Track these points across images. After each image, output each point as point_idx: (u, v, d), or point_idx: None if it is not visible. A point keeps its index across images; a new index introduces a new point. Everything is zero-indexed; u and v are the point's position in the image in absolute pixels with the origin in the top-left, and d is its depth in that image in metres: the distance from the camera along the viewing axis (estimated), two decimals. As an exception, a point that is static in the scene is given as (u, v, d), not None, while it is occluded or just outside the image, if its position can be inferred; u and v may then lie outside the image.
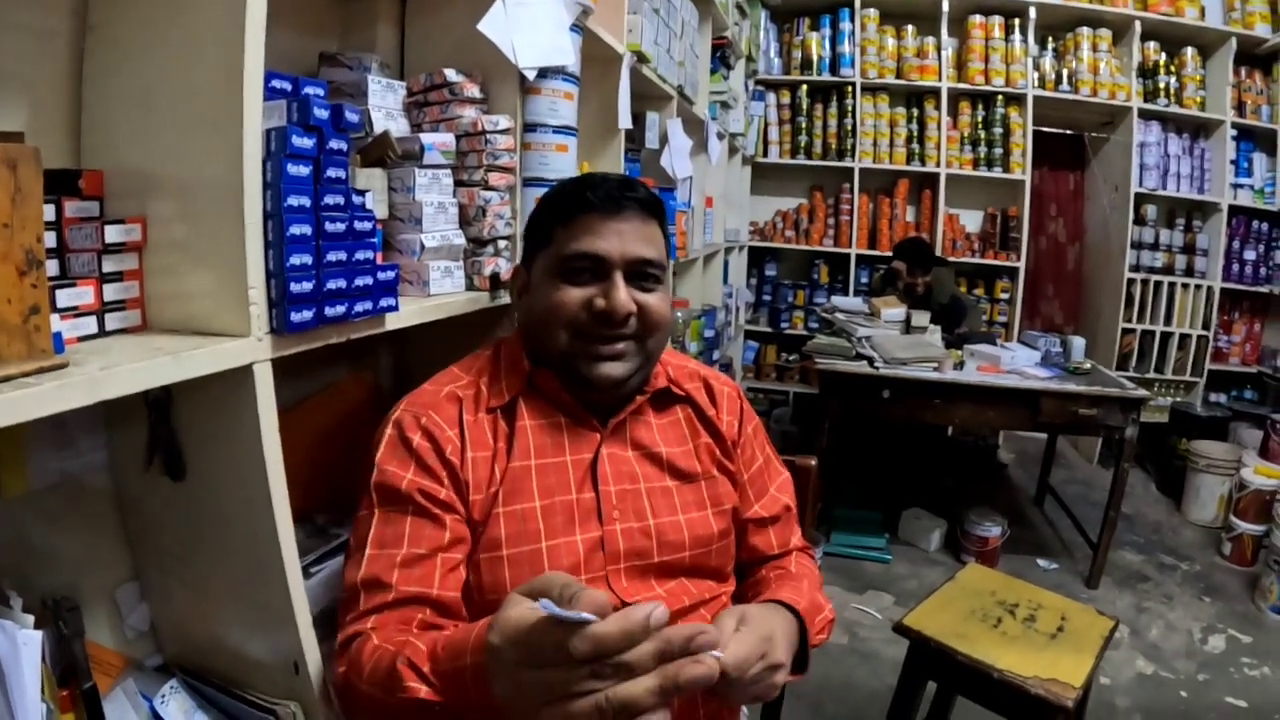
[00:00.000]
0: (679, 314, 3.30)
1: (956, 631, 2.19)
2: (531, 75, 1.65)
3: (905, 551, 4.37)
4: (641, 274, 1.30)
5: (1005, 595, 2.42)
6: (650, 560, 1.30)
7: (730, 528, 1.41)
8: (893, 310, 4.54)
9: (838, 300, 5.38)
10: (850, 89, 6.09)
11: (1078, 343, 4.32)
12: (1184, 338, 5.87)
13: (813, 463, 1.85)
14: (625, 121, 2.29)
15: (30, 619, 0.99)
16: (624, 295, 1.26)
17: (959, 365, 4.05)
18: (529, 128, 1.75)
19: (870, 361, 4.02)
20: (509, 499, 1.24)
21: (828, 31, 6.15)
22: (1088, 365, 4.18)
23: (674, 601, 1.29)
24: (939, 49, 5.96)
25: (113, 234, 1.05)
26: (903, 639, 2.25)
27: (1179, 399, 5.90)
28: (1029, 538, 4.61)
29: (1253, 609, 3.92)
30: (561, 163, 1.78)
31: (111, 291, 1.06)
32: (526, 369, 1.33)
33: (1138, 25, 5.68)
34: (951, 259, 5.77)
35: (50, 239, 0.98)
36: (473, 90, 1.61)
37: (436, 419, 1.25)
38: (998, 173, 6.00)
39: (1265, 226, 5.92)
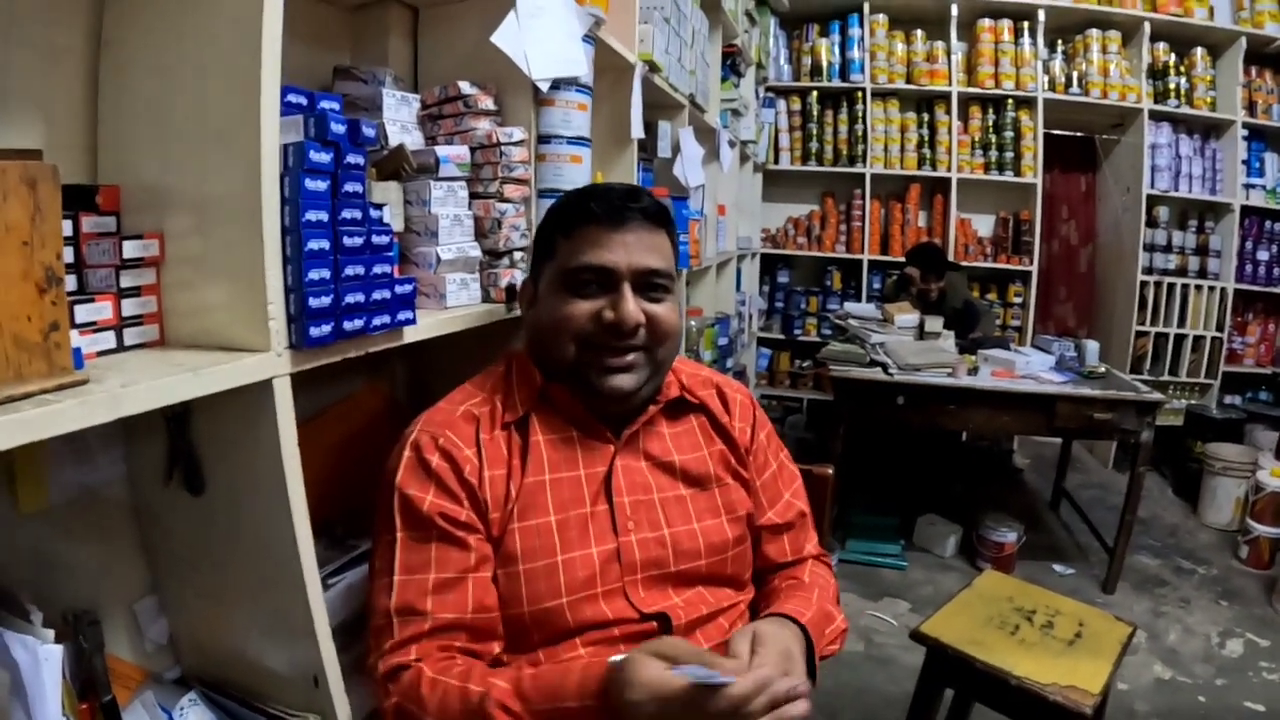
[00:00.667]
0: (692, 322, 3.30)
1: (974, 638, 2.18)
2: (545, 87, 1.66)
3: (920, 558, 4.35)
4: (649, 284, 1.30)
5: (1022, 601, 2.41)
6: (667, 570, 1.30)
7: (746, 534, 1.41)
8: (906, 316, 4.53)
9: (851, 306, 5.37)
10: (860, 95, 6.08)
11: (1092, 346, 4.30)
12: (1198, 340, 5.82)
13: (829, 471, 1.84)
14: (638, 131, 2.29)
15: (51, 633, 0.99)
16: (632, 307, 1.26)
17: (973, 370, 4.03)
18: (543, 139, 1.76)
19: (884, 368, 4.00)
20: (524, 514, 1.24)
21: (837, 38, 6.14)
22: (1102, 369, 4.16)
23: (692, 610, 1.29)
24: (948, 53, 5.94)
25: (130, 249, 1.06)
26: (919, 645, 2.24)
27: (1194, 401, 5.85)
28: (1045, 543, 4.58)
29: (1270, 612, 3.89)
30: (576, 173, 1.79)
31: (130, 307, 1.06)
32: (539, 383, 1.33)
33: (1147, 26, 5.67)
34: (964, 263, 5.75)
35: (68, 254, 0.98)
36: (487, 102, 1.62)
37: (454, 439, 1.25)
38: (1009, 176, 5.98)
39: (1278, 226, 5.89)
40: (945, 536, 4.38)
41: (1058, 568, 4.28)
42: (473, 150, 1.57)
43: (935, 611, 2.35)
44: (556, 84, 1.70)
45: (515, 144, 1.59)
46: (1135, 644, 3.11)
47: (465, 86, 1.59)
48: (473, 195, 1.59)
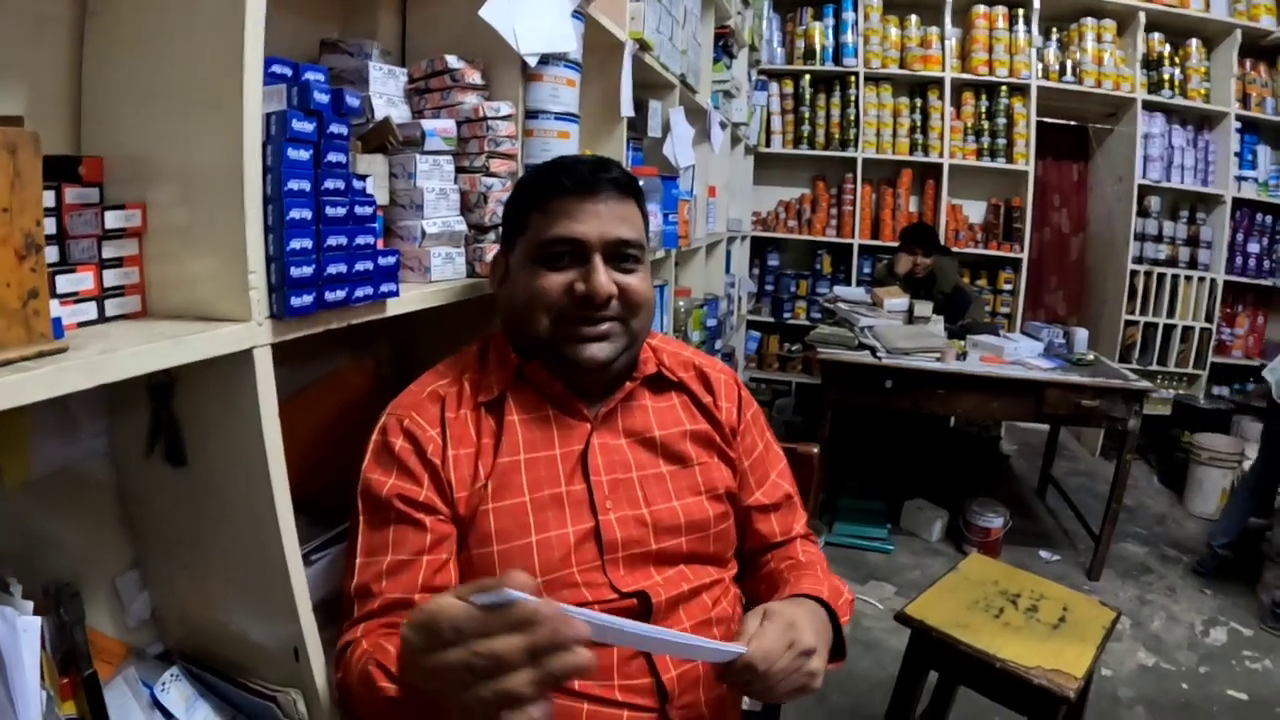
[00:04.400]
0: (681, 303, 3.30)
1: (958, 621, 2.19)
2: (533, 62, 1.64)
3: (907, 542, 4.38)
4: (621, 255, 1.30)
5: (1007, 585, 2.42)
6: (648, 548, 1.29)
7: (728, 511, 1.40)
8: (895, 300, 4.54)
9: (840, 290, 5.37)
10: (853, 79, 6.08)
11: (1081, 334, 4.32)
12: (1187, 330, 5.87)
13: (815, 450, 1.84)
14: (627, 109, 2.28)
15: (29, 605, 0.98)
16: (604, 278, 1.26)
17: (962, 356, 4.04)
18: (531, 114, 1.74)
19: (873, 351, 4.02)
20: (498, 495, 1.24)
21: (831, 21, 6.14)
22: (1091, 357, 4.18)
23: (672, 587, 1.29)
24: (943, 39, 5.94)
25: (112, 220, 1.05)
26: (905, 628, 2.25)
27: (1182, 391, 5.90)
28: (1031, 529, 4.61)
29: (1254, 602, 3.92)
30: (563, 149, 1.77)
31: (111, 277, 1.05)
32: (515, 362, 1.33)
33: (1142, 16, 5.67)
34: (955, 249, 5.75)
35: (50, 225, 0.97)
36: (474, 77, 1.60)
37: (419, 419, 1.26)
38: (1001, 163, 6.00)
39: (1269, 219, 5.92)
40: (932, 521, 4.41)
41: (1043, 554, 4.31)
42: (459, 124, 1.56)
43: (921, 594, 2.36)
44: (545, 59, 1.69)
45: (502, 118, 1.58)
46: (1120, 631, 3.14)
47: (452, 60, 1.58)
48: (459, 169, 1.57)
